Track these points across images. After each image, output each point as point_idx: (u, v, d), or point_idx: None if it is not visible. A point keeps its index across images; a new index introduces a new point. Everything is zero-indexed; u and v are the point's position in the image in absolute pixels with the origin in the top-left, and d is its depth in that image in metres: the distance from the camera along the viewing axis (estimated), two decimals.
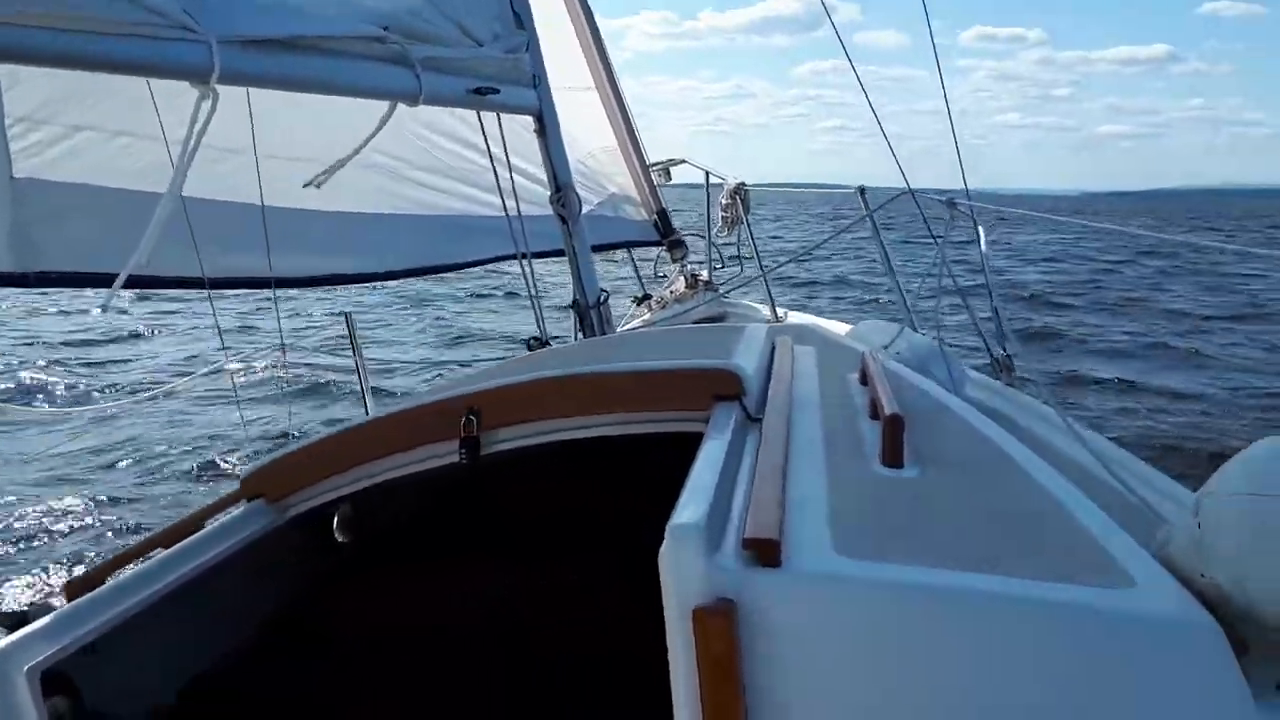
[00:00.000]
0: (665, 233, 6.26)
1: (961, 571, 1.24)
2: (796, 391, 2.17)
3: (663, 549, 1.26)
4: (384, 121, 2.64)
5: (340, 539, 2.55)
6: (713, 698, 1.21)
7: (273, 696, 2.23)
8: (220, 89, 1.98)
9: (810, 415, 2.00)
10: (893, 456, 1.68)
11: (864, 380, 2.26)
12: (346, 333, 4.45)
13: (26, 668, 1.50)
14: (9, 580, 7.01)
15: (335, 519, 2.52)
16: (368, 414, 3.90)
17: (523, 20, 3.56)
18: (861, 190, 4.06)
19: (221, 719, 2.08)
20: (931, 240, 3.25)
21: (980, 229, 2.92)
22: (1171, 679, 1.14)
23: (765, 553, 1.25)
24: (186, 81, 1.96)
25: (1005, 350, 3.47)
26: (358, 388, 4.51)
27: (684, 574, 1.24)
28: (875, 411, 1.96)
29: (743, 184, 5.72)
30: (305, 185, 2.59)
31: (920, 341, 3.04)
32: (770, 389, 2.11)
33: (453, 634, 2.68)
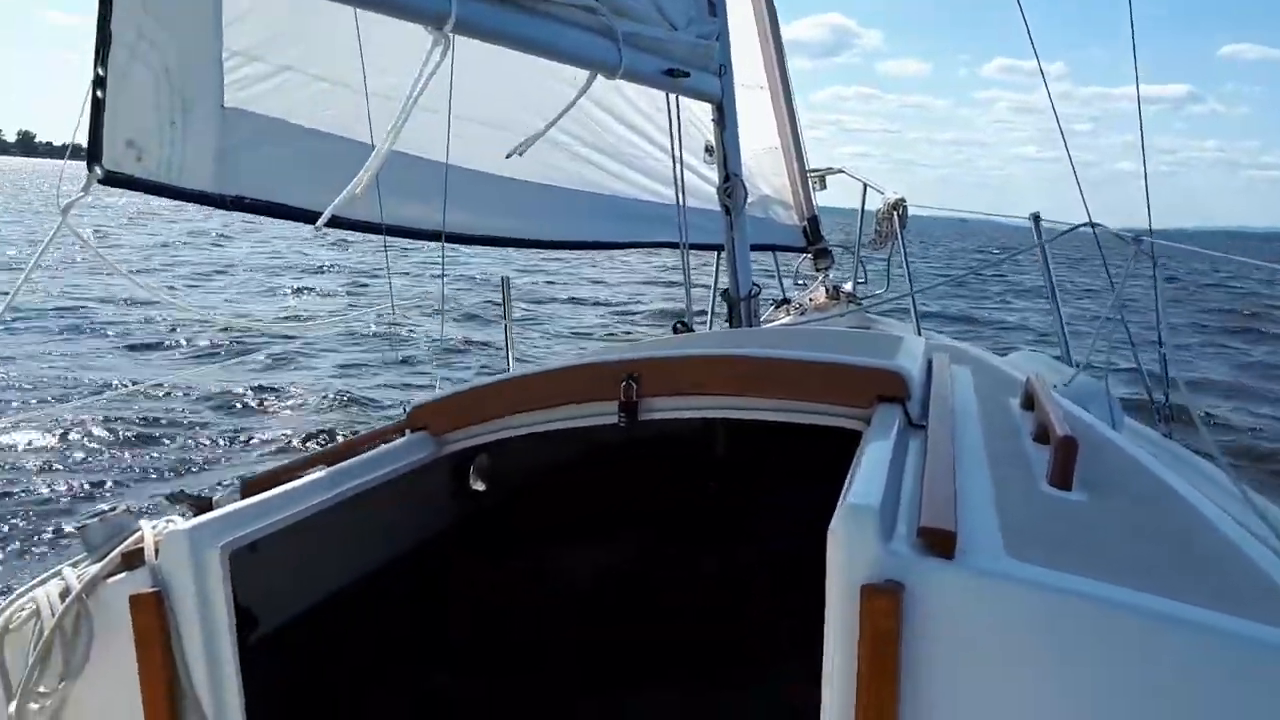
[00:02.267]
0: (813, 239, 6.23)
1: (1134, 590, 1.22)
2: (957, 405, 2.15)
3: (834, 526, 1.28)
4: (584, 89, 2.72)
5: (475, 486, 2.64)
6: (870, 674, 1.23)
7: (399, 623, 2.33)
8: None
9: (973, 429, 1.98)
10: (1063, 478, 1.65)
11: (1027, 404, 2.22)
12: (502, 295, 4.59)
13: (220, 545, 1.61)
14: (197, 471, 7.72)
15: (471, 468, 2.60)
16: (512, 371, 4.02)
17: (716, 9, 3.61)
18: (1036, 217, 3.96)
19: (349, 636, 2.18)
20: (1104, 276, 3.15)
21: (1157, 271, 2.83)
22: None
23: (940, 543, 1.26)
24: (420, 24, 2.07)
25: (1168, 400, 3.34)
26: (503, 348, 4.66)
27: (855, 552, 1.25)
28: (1041, 435, 1.92)
29: (902, 200, 5.65)
30: (509, 155, 2.69)
31: (1080, 379, 2.96)
32: (932, 399, 2.10)
33: (572, 602, 2.74)
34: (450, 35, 2.01)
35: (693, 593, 2.76)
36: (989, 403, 2.29)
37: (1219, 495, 2.47)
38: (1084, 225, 3.20)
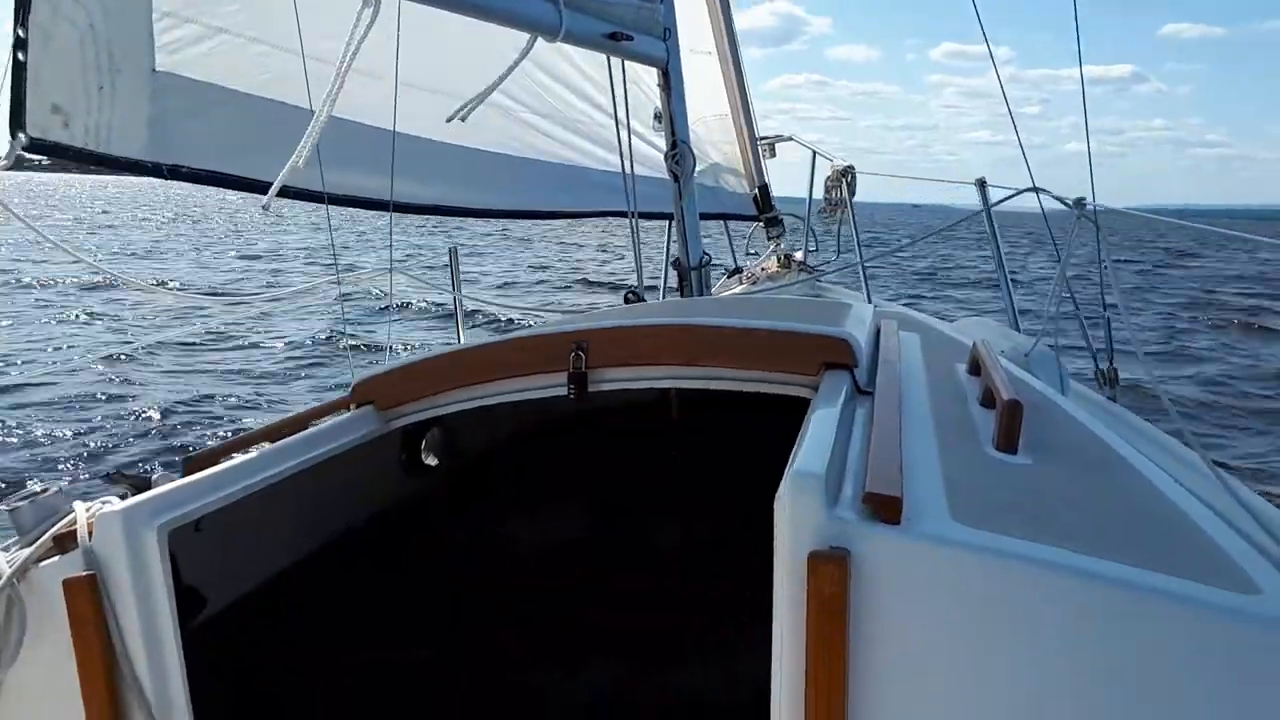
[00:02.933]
0: (764, 208, 6.21)
1: (1080, 553, 1.23)
2: (904, 371, 2.15)
3: (780, 493, 1.26)
4: (524, 53, 2.66)
5: (428, 461, 2.60)
6: (818, 638, 1.22)
7: (345, 599, 2.29)
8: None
9: (920, 395, 1.98)
10: (1008, 442, 1.66)
11: (974, 370, 2.23)
12: (450, 266, 4.52)
13: (157, 524, 1.56)
14: (135, 446, 7.58)
15: (423, 441, 2.57)
16: (460, 343, 3.96)
17: None
18: (981, 183, 3.98)
19: (297, 612, 2.14)
20: (1050, 245, 3.17)
21: (1101, 236, 2.85)
22: None
23: (885, 508, 1.25)
24: None
25: (1112, 364, 3.38)
26: (453, 319, 4.60)
27: (802, 520, 1.24)
28: (988, 399, 1.93)
29: (851, 167, 5.65)
30: (448, 120, 2.63)
31: (1025, 342, 2.98)
32: (879, 365, 2.10)
33: (527, 575, 2.73)
34: None
35: (648, 563, 2.76)
36: (936, 368, 2.30)
37: (1165, 458, 2.51)
38: (1028, 190, 3.22)
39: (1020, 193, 3.30)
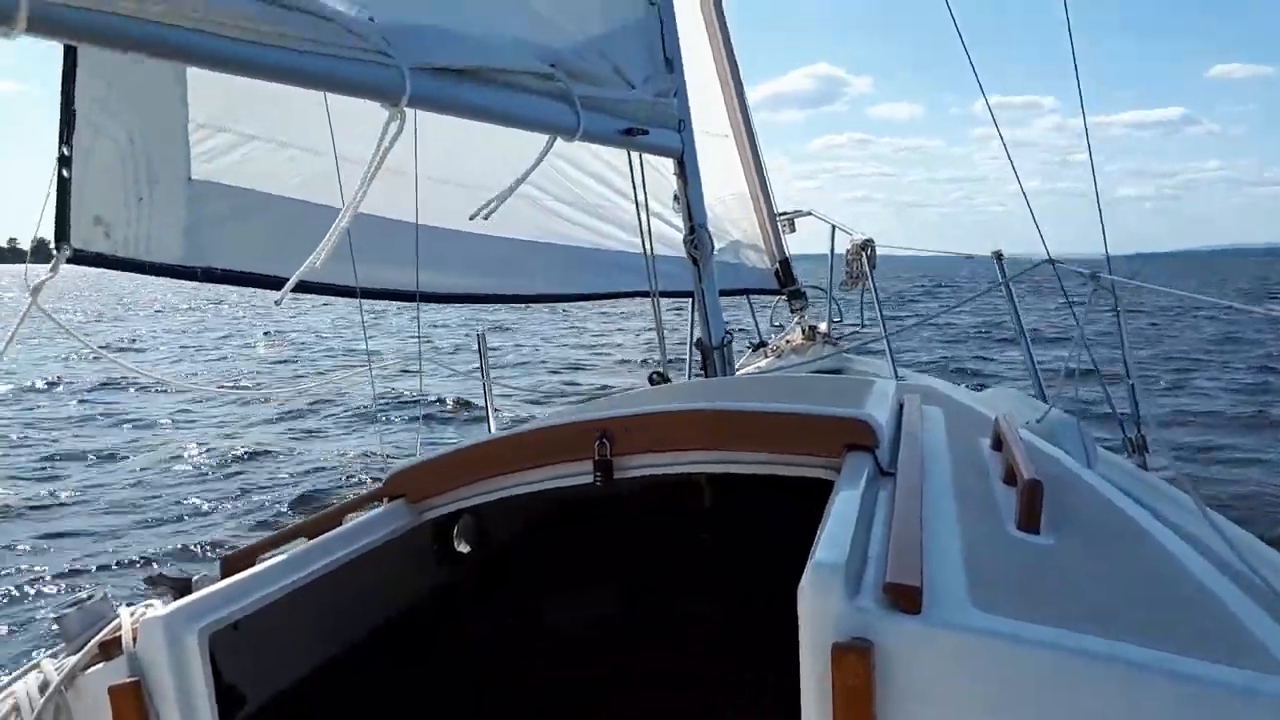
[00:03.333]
0: (786, 282, 6.27)
1: (1103, 639, 1.23)
2: (927, 449, 2.16)
3: (803, 585, 1.28)
4: (544, 154, 2.76)
5: (460, 549, 2.63)
6: None
7: (384, 695, 2.30)
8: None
9: (942, 474, 1.99)
10: (1030, 521, 1.67)
11: (996, 445, 2.24)
12: (478, 352, 4.60)
13: (198, 628, 1.60)
14: (175, 550, 7.65)
15: (455, 529, 2.59)
16: (490, 429, 4.01)
17: (673, 64, 3.67)
18: (998, 256, 4.01)
19: (336, 713, 2.15)
20: (1069, 311, 3.19)
21: (1120, 305, 2.87)
22: None
23: (905, 599, 1.27)
24: (375, 101, 2.10)
25: (1139, 431, 3.37)
26: (483, 405, 4.66)
27: (824, 611, 1.26)
28: (1010, 476, 1.94)
29: (870, 240, 5.71)
30: (472, 217, 2.72)
31: (1053, 414, 2.98)
32: (901, 444, 2.11)
33: (551, 660, 2.73)
34: (404, 110, 2.04)
35: (675, 646, 2.75)
36: (959, 445, 2.30)
37: (1193, 527, 2.49)
38: (1044, 262, 3.25)
39: (1036, 266, 3.33)
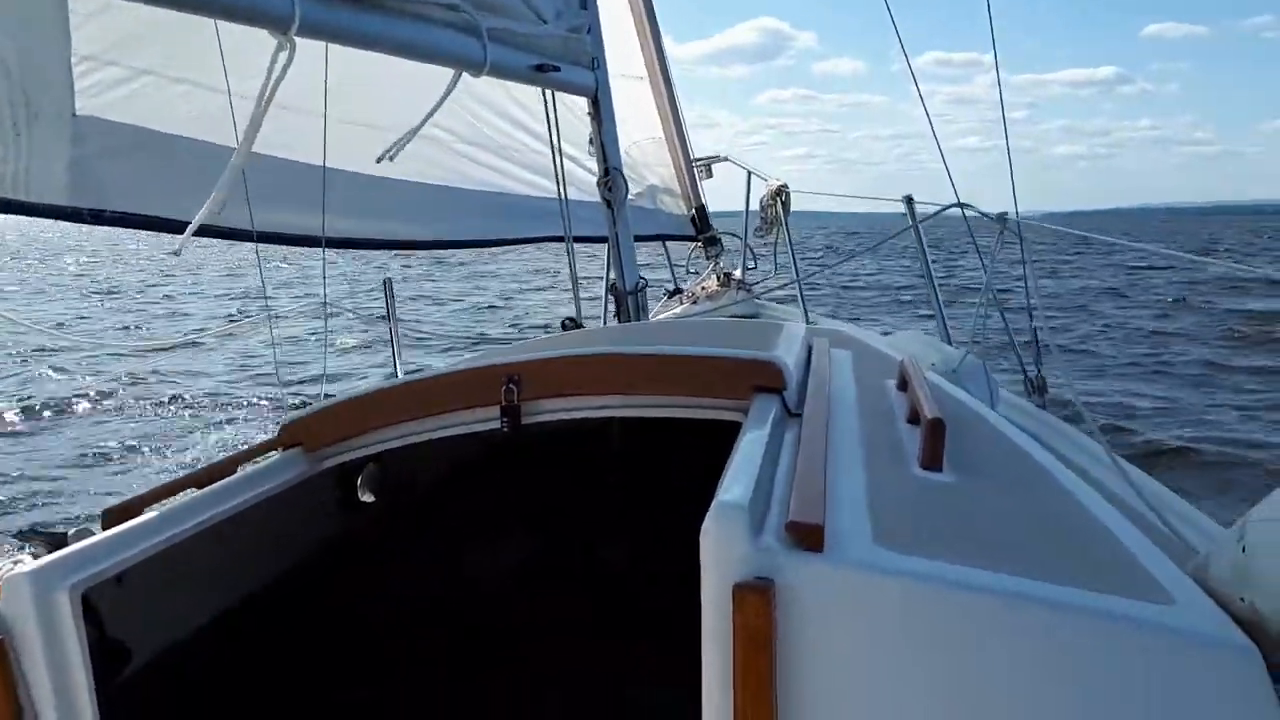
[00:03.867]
0: (702, 228, 6.27)
1: (1000, 573, 1.25)
2: (834, 391, 2.18)
3: (705, 525, 1.27)
4: (450, 89, 2.66)
5: (364, 498, 2.57)
6: (745, 671, 1.23)
7: (283, 648, 2.25)
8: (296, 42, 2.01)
9: (848, 415, 2.01)
10: (932, 460, 1.69)
11: (902, 386, 2.27)
12: (385, 299, 4.48)
13: (69, 585, 1.52)
14: (52, 503, 7.33)
15: (359, 478, 2.54)
16: (398, 377, 3.93)
17: (586, 1, 3.58)
18: (909, 200, 4.05)
19: (228, 666, 2.10)
20: (976, 256, 3.24)
21: (1024, 248, 2.92)
22: (1207, 697, 1.15)
23: (808, 537, 1.26)
24: (264, 30, 1.98)
25: (1040, 372, 3.46)
26: (389, 352, 4.56)
27: (726, 551, 1.25)
28: (914, 416, 1.96)
29: (785, 186, 5.72)
30: (378, 160, 2.62)
31: (955, 355, 3.04)
32: (809, 386, 2.12)
33: (461, 607, 2.70)
34: (294, 39, 1.93)
35: (589, 591, 2.75)
36: (866, 387, 2.33)
37: (1092, 465, 2.57)
38: (953, 206, 3.29)
39: (946, 209, 3.37)
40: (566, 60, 3.29)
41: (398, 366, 4.55)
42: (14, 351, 14.02)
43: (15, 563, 1.62)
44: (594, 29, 3.55)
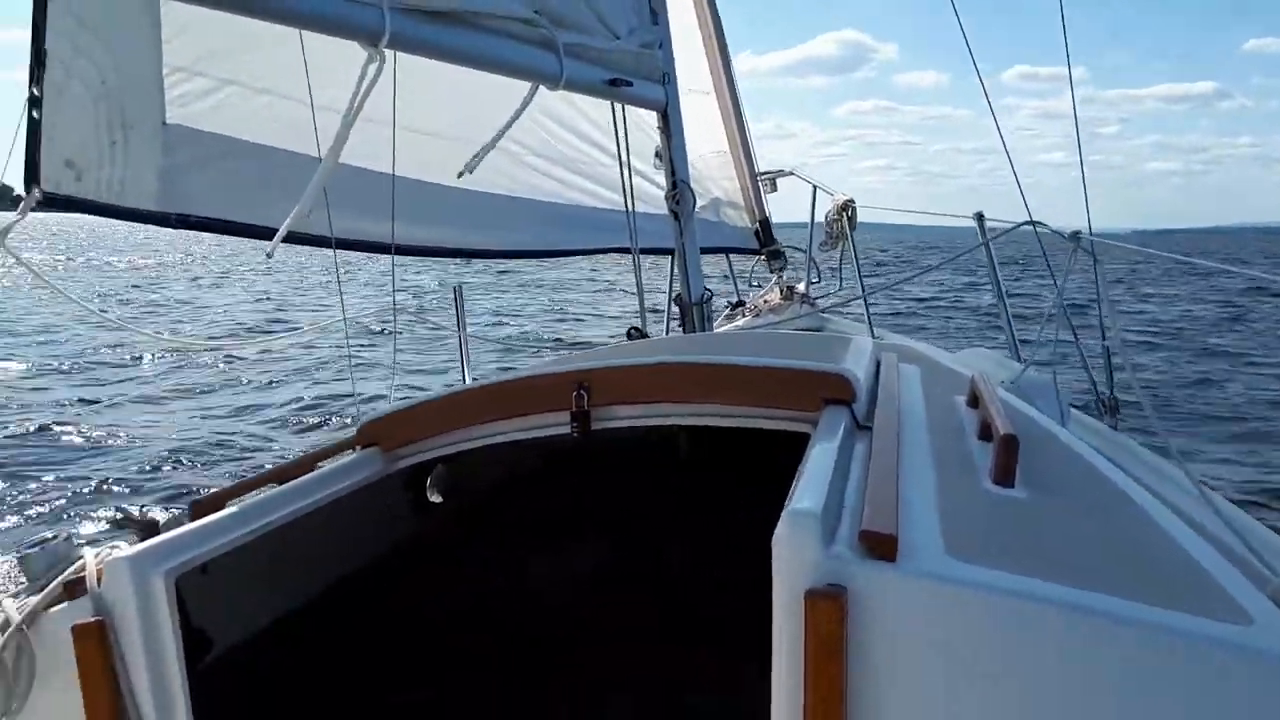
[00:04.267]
0: (765, 241, 6.28)
1: (1074, 588, 1.24)
2: (904, 405, 2.17)
3: (778, 532, 1.29)
4: (526, 102, 2.72)
5: (433, 499, 2.63)
6: (816, 678, 1.24)
7: (353, 643, 2.31)
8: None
9: (918, 429, 2.00)
10: (1004, 475, 1.68)
11: (973, 402, 2.26)
12: (454, 305, 4.57)
13: (164, 570, 1.59)
14: (144, 494, 7.61)
15: (429, 479, 2.59)
16: (464, 383, 4.00)
17: (658, 17, 3.63)
18: (980, 217, 4.02)
19: (298, 659, 2.16)
20: (1048, 275, 3.21)
21: (1099, 267, 2.88)
22: None
23: (881, 546, 1.27)
24: (355, 42, 2.06)
25: (1113, 393, 3.40)
26: (458, 359, 4.64)
27: (799, 558, 1.26)
28: (985, 433, 1.95)
29: (851, 200, 5.70)
30: (459, 174, 2.69)
31: (1028, 374, 3.00)
32: (878, 399, 2.12)
33: (524, 611, 2.74)
34: (384, 51, 2.00)
35: (655, 599, 2.77)
36: (935, 402, 2.32)
37: (1168, 488, 2.52)
38: (1025, 224, 3.26)
39: (1017, 226, 3.34)
40: (639, 75, 3.34)
41: (465, 372, 4.63)
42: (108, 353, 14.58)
43: (113, 548, 1.69)
44: (665, 44, 3.59)
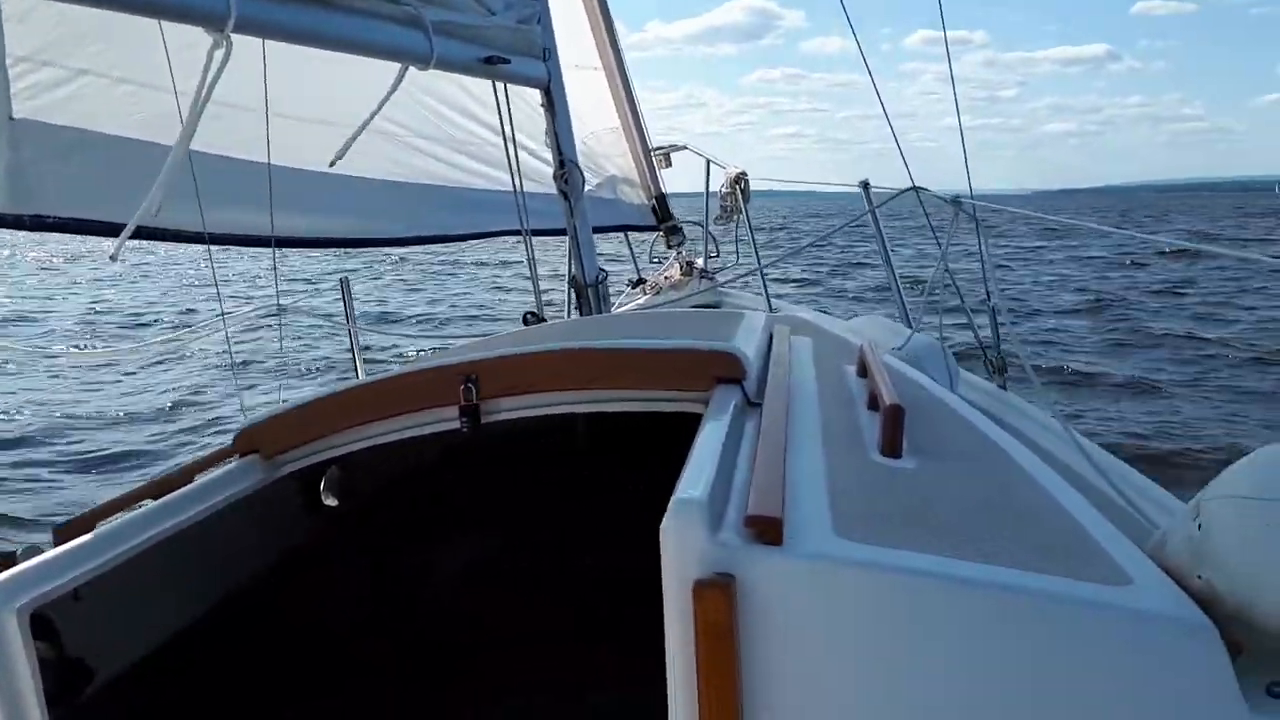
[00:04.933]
0: (663, 218, 6.26)
1: (959, 560, 1.24)
2: (794, 379, 2.17)
3: (664, 523, 1.26)
4: (396, 84, 2.61)
5: (328, 502, 2.54)
6: (708, 668, 1.21)
7: (246, 660, 2.22)
8: (234, 40, 1.96)
9: (809, 403, 2.00)
10: (892, 447, 1.68)
11: (862, 372, 2.27)
12: (342, 299, 4.42)
13: (17, 606, 1.48)
14: None
15: (323, 481, 2.50)
16: (359, 378, 3.89)
17: None
18: (865, 185, 4.05)
19: (196, 677, 2.06)
20: (933, 240, 3.25)
21: (981, 229, 2.93)
22: (1165, 677, 1.15)
23: (767, 531, 1.25)
24: (200, 27, 1.93)
25: (999, 351, 3.48)
26: (349, 353, 4.50)
27: (685, 548, 1.23)
28: (874, 402, 1.96)
29: (743, 173, 5.71)
30: (330, 164, 2.57)
31: (917, 339, 3.04)
32: (769, 375, 2.11)
33: (433, 606, 2.67)
34: (229, 36, 1.88)
35: (557, 593, 2.73)
36: (826, 373, 2.32)
37: (1053, 445, 2.58)
38: (908, 190, 3.29)
39: (901, 193, 3.38)
40: (516, 52, 3.25)
41: (359, 368, 4.50)
42: None
43: None
44: (544, 19, 3.50)
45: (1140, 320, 16.93)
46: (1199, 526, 1.26)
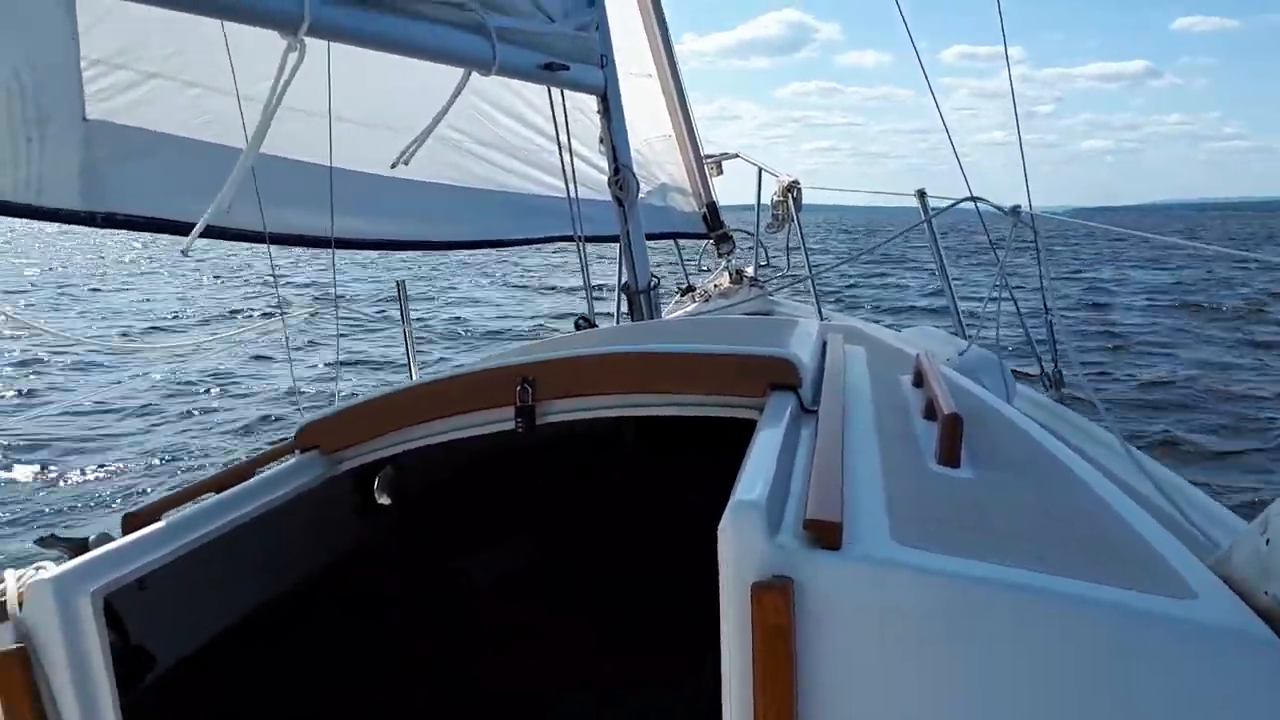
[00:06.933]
0: (713, 226, 6.25)
1: (1019, 568, 1.23)
2: (849, 387, 2.16)
3: (723, 524, 1.26)
4: (459, 89, 2.66)
5: (381, 500, 2.57)
6: (765, 669, 1.22)
7: (294, 654, 2.25)
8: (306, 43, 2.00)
9: (864, 411, 1.99)
10: (949, 455, 1.67)
11: (917, 382, 2.25)
12: (399, 301, 4.48)
13: (91, 590, 1.52)
14: (73, 509, 7.30)
15: (376, 480, 2.54)
16: (412, 379, 3.94)
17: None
18: (921, 194, 4.02)
19: (246, 668, 2.10)
20: (990, 251, 3.22)
21: (1039, 241, 2.89)
22: (1229, 692, 1.13)
23: (826, 535, 1.25)
24: (275, 31, 1.98)
25: (1057, 365, 3.43)
26: (404, 353, 4.56)
27: (744, 550, 1.24)
28: (930, 412, 1.95)
29: (796, 182, 5.69)
30: (393, 165, 2.61)
31: (973, 351, 3.01)
32: (824, 382, 2.11)
33: (485, 613, 2.70)
34: (303, 40, 1.92)
35: (600, 595, 2.75)
36: (881, 382, 2.31)
37: (1111, 460, 2.54)
38: (965, 200, 3.26)
39: (958, 203, 3.35)
40: (575, 58, 3.28)
41: (412, 368, 4.55)
42: (20, 356, 14.06)
43: (38, 569, 1.61)
44: (602, 26, 3.54)
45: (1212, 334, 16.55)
46: (1267, 541, 1.23)
